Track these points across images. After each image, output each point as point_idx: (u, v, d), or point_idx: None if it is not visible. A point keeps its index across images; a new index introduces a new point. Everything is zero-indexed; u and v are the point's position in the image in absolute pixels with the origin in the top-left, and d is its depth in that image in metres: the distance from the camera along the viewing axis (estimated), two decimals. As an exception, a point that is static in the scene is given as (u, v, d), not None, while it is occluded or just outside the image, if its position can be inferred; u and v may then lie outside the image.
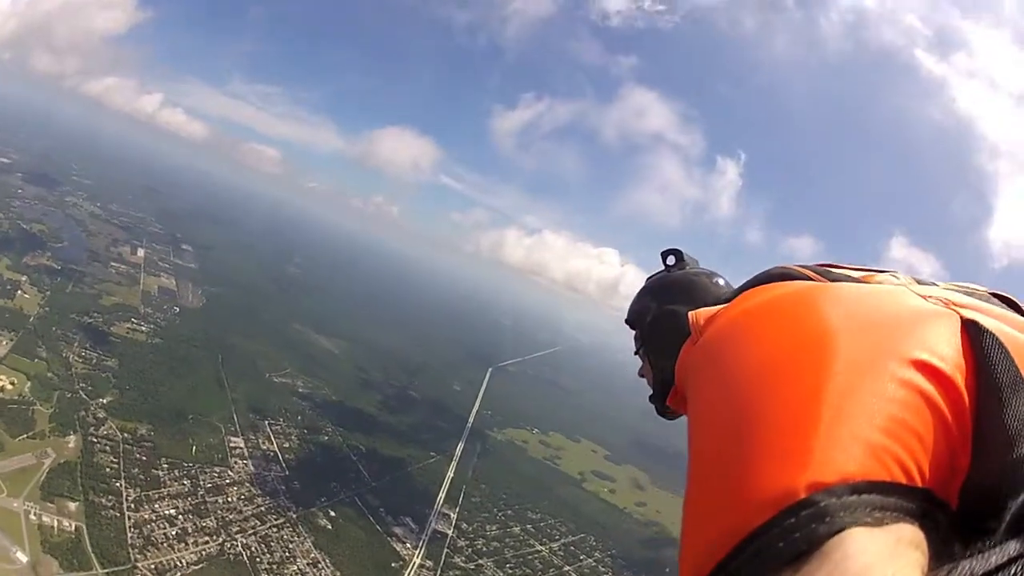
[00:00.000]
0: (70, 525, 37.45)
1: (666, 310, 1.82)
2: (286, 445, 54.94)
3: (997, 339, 0.81)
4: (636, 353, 1.98)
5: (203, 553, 39.97)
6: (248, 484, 47.98)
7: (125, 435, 46.50)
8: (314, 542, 44.43)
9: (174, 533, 40.39)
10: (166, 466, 45.72)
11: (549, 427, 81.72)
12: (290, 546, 43.36)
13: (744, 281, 1.27)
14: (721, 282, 1.85)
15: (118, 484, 42.07)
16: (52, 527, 36.62)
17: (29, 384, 46.81)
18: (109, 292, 68.37)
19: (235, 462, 49.52)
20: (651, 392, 1.89)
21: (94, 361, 54.01)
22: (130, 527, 39.31)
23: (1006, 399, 0.75)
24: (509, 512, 56.85)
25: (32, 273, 63.26)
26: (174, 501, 42.96)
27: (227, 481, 47.20)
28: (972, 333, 0.82)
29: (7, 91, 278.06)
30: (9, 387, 45.44)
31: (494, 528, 53.91)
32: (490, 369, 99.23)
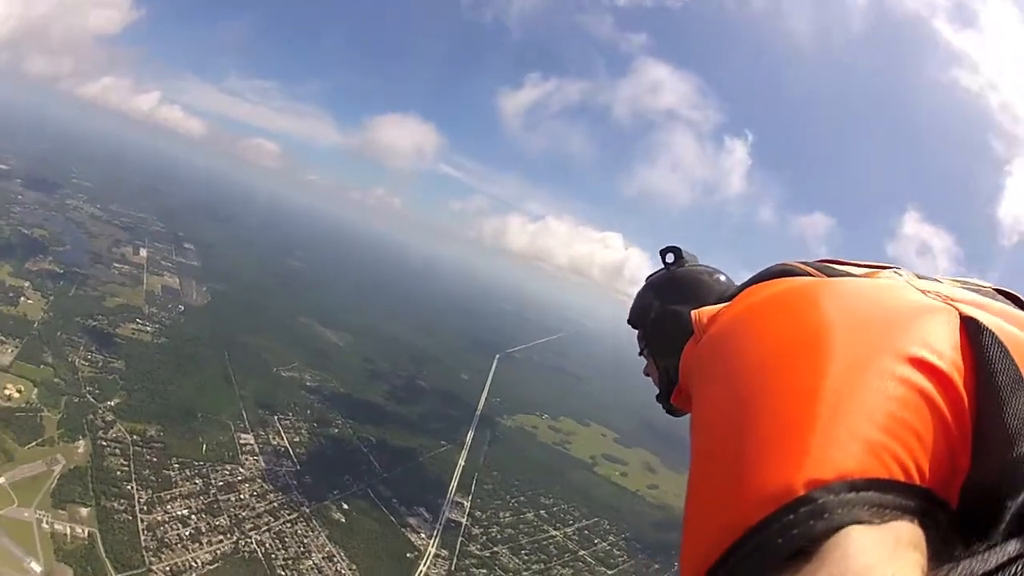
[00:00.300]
0: (83, 531, 37.39)
1: (668, 310, 1.83)
2: (296, 439, 54.82)
3: (996, 337, 0.81)
4: (640, 353, 1.98)
5: (217, 552, 39.95)
6: (260, 480, 47.94)
7: (135, 437, 46.37)
8: (328, 536, 44.42)
9: (188, 533, 40.34)
10: (177, 466, 45.62)
11: (558, 412, 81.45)
12: (305, 541, 43.35)
13: (746, 280, 1.31)
14: (722, 279, 1.85)
15: (129, 487, 41.98)
16: (65, 534, 36.54)
17: (36, 391, 46.61)
18: (113, 293, 68.11)
19: (246, 459, 49.44)
20: (657, 392, 1.91)
21: (100, 364, 53.82)
22: (143, 530, 39.24)
23: (1005, 398, 0.75)
24: (522, 498, 56.75)
25: (35, 278, 62.91)
26: (186, 501, 42.87)
27: (239, 478, 47.12)
28: (971, 330, 0.82)
29: (2, 95, 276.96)
30: (16, 395, 45.20)
31: (508, 515, 53.83)
32: (497, 356, 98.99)
